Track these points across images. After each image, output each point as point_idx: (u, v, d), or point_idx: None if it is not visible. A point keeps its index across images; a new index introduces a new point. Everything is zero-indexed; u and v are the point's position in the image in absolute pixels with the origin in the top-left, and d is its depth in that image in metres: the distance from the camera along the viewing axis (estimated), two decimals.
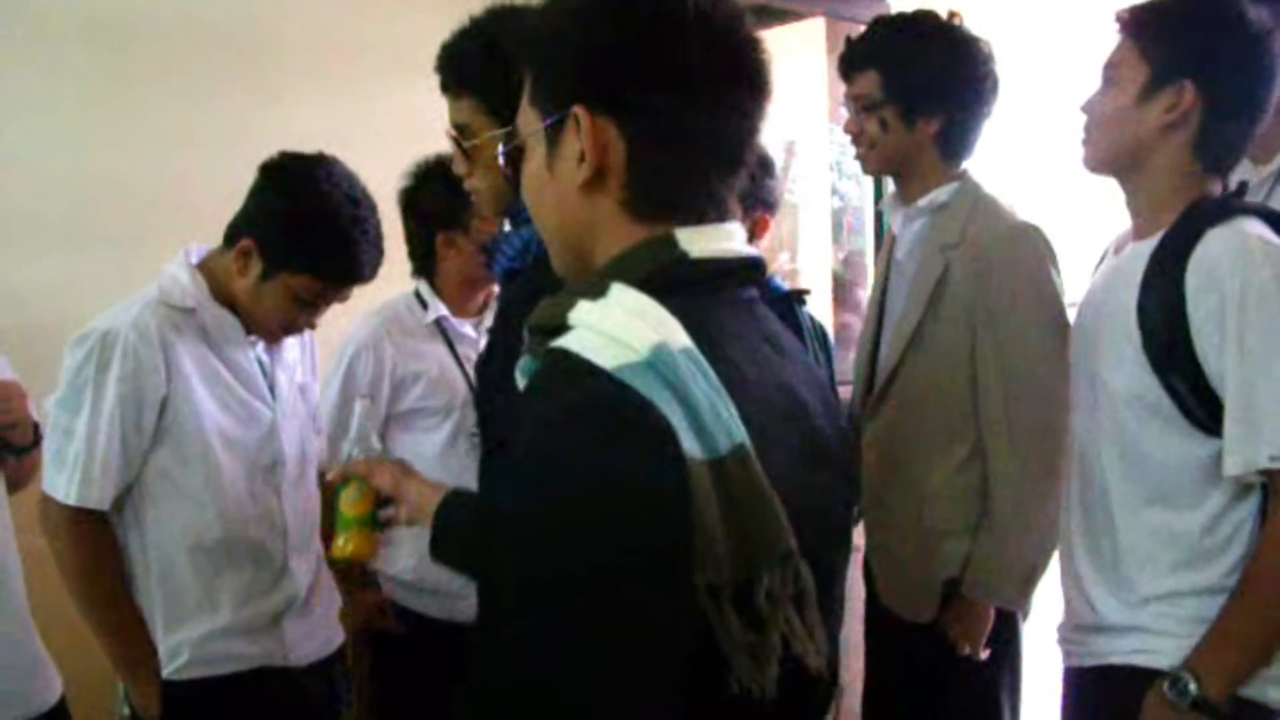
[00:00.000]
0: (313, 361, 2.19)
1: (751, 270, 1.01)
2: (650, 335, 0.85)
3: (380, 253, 1.93)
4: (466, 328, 2.46)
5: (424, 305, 2.44)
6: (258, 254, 1.86)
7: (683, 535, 0.80)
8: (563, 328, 0.91)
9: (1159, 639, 1.59)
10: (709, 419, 0.83)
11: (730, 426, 0.84)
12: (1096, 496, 1.69)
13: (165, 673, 1.86)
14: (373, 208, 1.92)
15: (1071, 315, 1.97)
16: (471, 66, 1.53)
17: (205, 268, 1.94)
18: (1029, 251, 1.99)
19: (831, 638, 1.04)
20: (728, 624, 0.82)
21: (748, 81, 0.97)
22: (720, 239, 0.98)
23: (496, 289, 2.48)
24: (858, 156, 2.17)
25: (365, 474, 1.55)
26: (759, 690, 0.83)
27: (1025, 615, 2.13)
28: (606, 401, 0.83)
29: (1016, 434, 1.97)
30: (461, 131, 1.56)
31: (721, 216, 0.99)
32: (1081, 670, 1.72)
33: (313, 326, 1.99)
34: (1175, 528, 1.59)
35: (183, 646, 1.86)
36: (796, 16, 3.69)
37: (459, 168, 1.60)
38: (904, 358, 2.09)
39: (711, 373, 0.86)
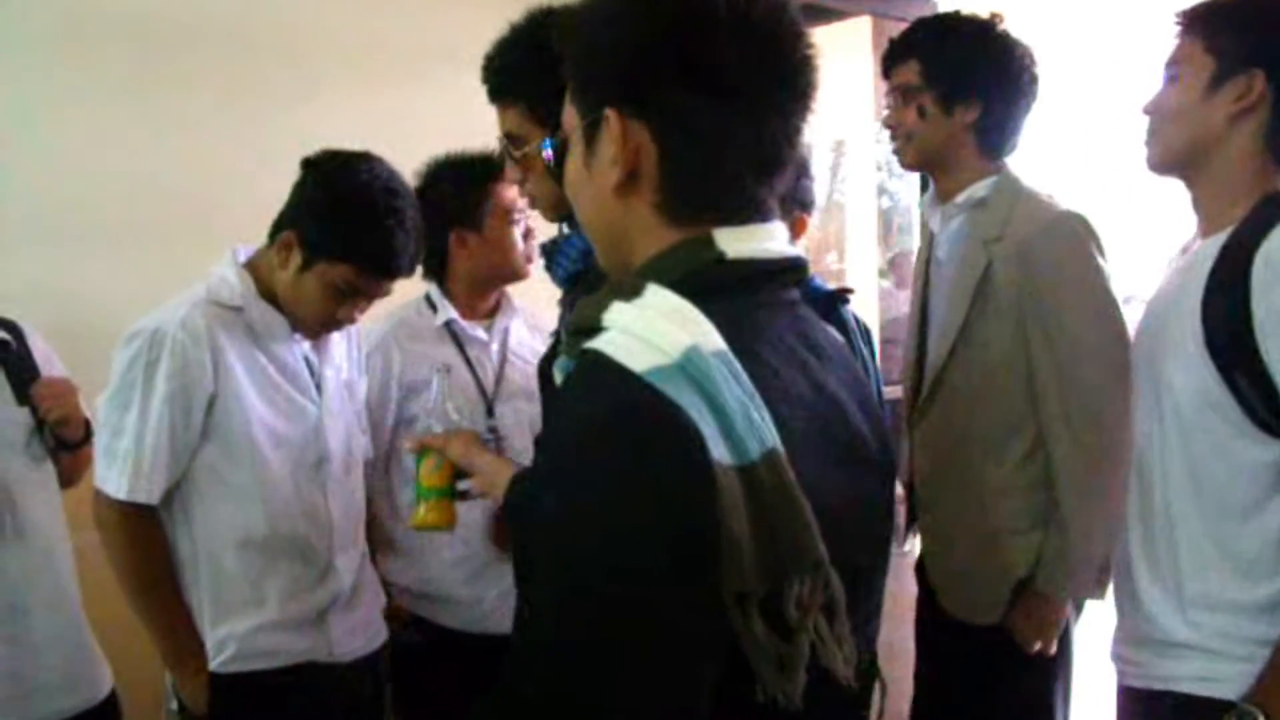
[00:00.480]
0: (357, 357, 2.20)
1: (792, 271, 0.99)
2: (683, 338, 0.84)
3: (420, 246, 1.94)
4: (478, 330, 2.40)
5: (433, 308, 2.39)
6: (297, 244, 1.88)
7: (709, 542, 0.79)
8: (597, 329, 0.90)
9: (1221, 663, 1.54)
10: (740, 424, 0.82)
11: (762, 431, 0.83)
12: (1157, 505, 1.65)
13: (212, 665, 1.89)
14: (413, 201, 1.93)
15: (1126, 309, 1.95)
16: (517, 75, 1.53)
17: (252, 266, 1.96)
18: (1072, 239, 1.97)
19: (869, 641, 1.04)
20: (755, 632, 0.81)
21: (787, 81, 0.95)
22: (760, 239, 0.96)
23: (508, 290, 2.47)
24: (895, 150, 2.17)
25: (439, 446, 1.55)
26: (784, 700, 0.82)
27: (1079, 612, 2.10)
28: (635, 406, 0.82)
29: (1075, 424, 1.94)
30: (513, 140, 1.56)
31: (763, 217, 0.97)
32: (1138, 691, 1.68)
33: (352, 321, 2.00)
34: (1237, 537, 1.55)
35: (229, 640, 1.89)
36: (842, 15, 3.67)
37: (512, 175, 1.60)
38: (951, 356, 2.07)
39: (745, 376, 0.85)
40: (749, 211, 0.96)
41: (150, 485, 1.83)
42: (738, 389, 0.83)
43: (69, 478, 2.05)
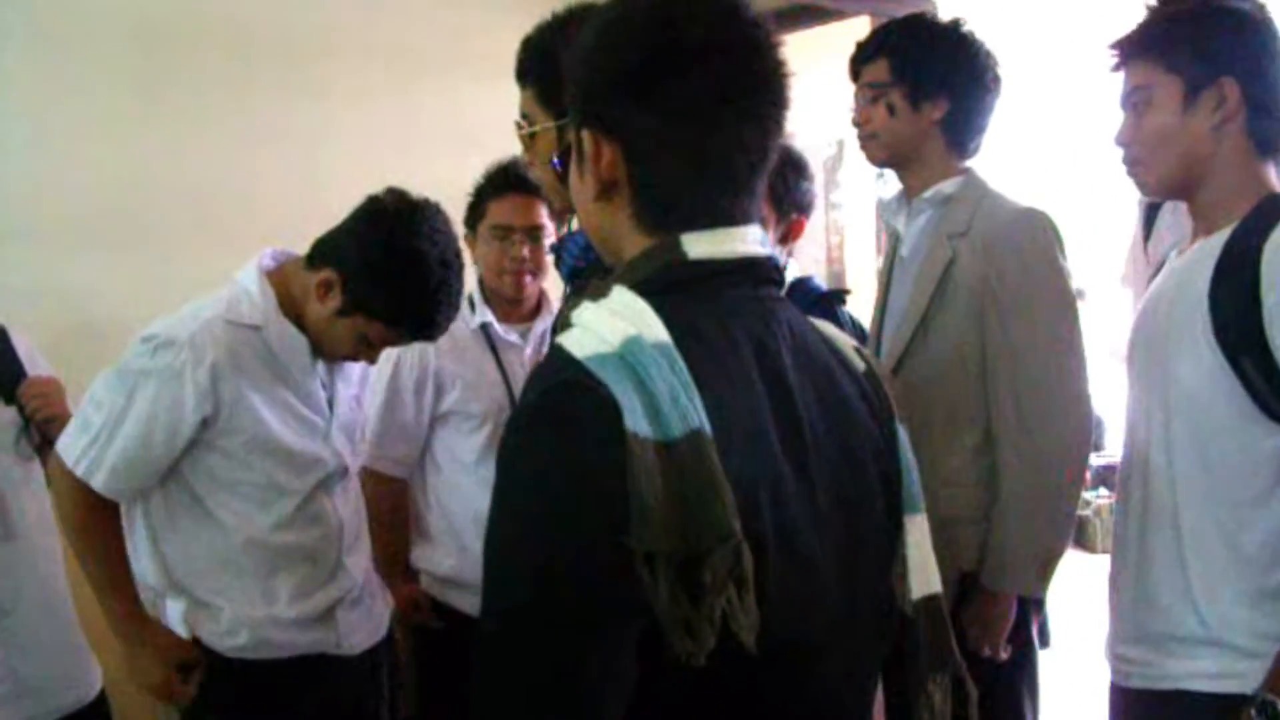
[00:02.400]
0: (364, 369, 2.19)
1: (758, 269, 1.05)
2: (627, 329, 0.93)
3: (456, 311, 1.95)
4: (512, 335, 2.47)
5: (472, 309, 2.47)
6: (340, 290, 1.86)
7: (617, 503, 0.86)
8: (569, 325, 0.99)
9: (1239, 659, 1.54)
10: (666, 405, 0.89)
11: (688, 413, 0.90)
12: (1162, 499, 1.64)
13: (222, 648, 1.88)
14: (461, 268, 1.93)
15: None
16: (536, 58, 1.59)
17: (280, 275, 1.92)
18: (1036, 235, 2.00)
19: (885, 628, 1.13)
20: (660, 592, 0.87)
21: (751, 104, 1.02)
22: (725, 241, 1.03)
23: (551, 293, 2.51)
24: (862, 147, 2.20)
25: None
26: (688, 658, 0.87)
27: (1039, 610, 2.09)
28: (564, 384, 0.92)
29: (1025, 418, 1.96)
30: (526, 120, 1.61)
31: (732, 223, 1.04)
32: (1143, 692, 1.66)
33: (372, 362, 2.02)
34: (1247, 526, 1.55)
35: (241, 627, 1.88)
36: (840, 15, 3.68)
37: (525, 156, 1.65)
38: (910, 346, 2.09)
39: (681, 365, 0.92)
40: (717, 218, 1.03)
41: (107, 478, 1.80)
42: (671, 376, 0.91)
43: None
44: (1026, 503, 1.96)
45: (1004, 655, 2.02)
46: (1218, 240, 1.59)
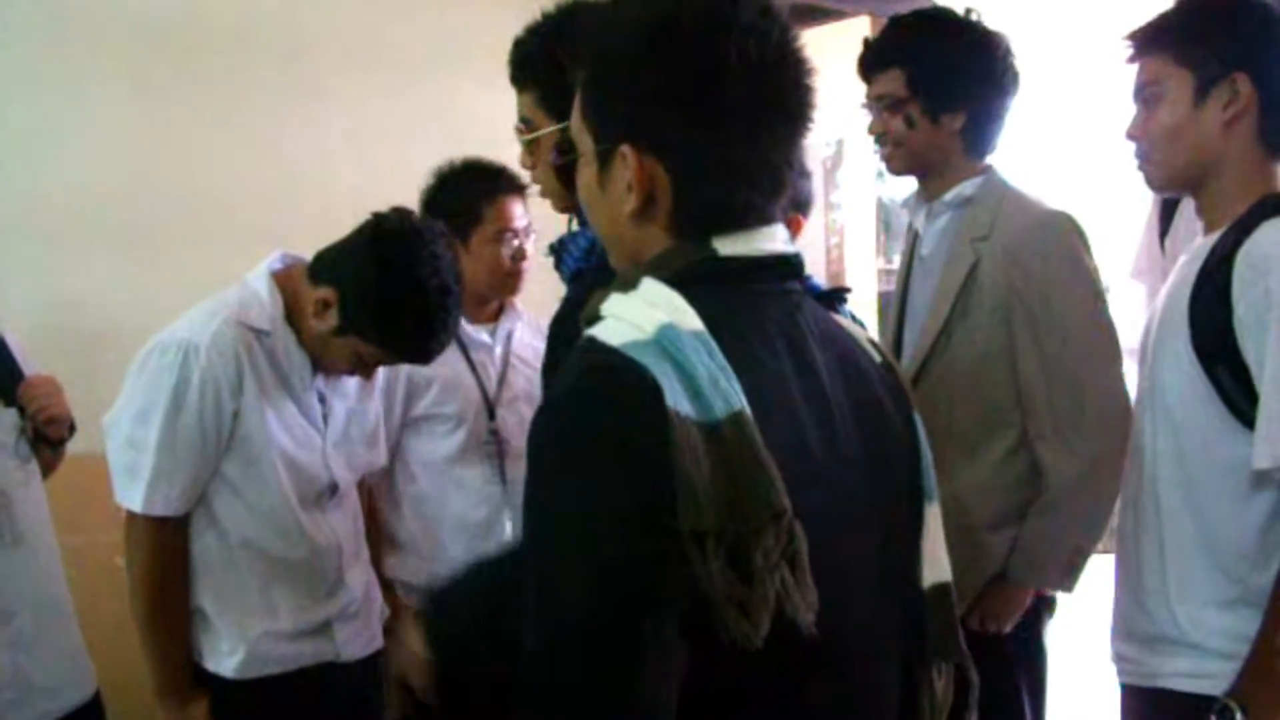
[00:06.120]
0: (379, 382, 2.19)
1: (784, 266, 1.06)
2: (661, 318, 0.94)
3: (452, 337, 1.94)
4: (482, 334, 2.44)
5: None
6: (337, 310, 1.85)
7: (662, 482, 0.86)
8: (598, 318, 0.99)
9: (1212, 660, 1.55)
10: (707, 387, 0.89)
11: (729, 395, 0.90)
12: (1149, 499, 1.66)
13: (220, 668, 1.89)
14: (461, 293, 1.90)
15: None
16: (535, 62, 1.57)
17: (287, 280, 1.92)
18: (1061, 238, 1.98)
19: (909, 612, 1.12)
20: (712, 573, 0.86)
21: (789, 115, 1.03)
22: (754, 240, 1.04)
23: (515, 299, 2.48)
24: (883, 157, 2.17)
25: None
26: (744, 641, 0.87)
27: (1050, 614, 2.10)
28: (603, 368, 0.92)
29: (1063, 423, 1.95)
30: (525, 124, 1.60)
31: (764, 223, 1.05)
32: (1135, 689, 1.68)
33: (368, 378, 2.01)
34: (1222, 532, 1.56)
35: (239, 644, 1.89)
36: (840, 15, 3.69)
37: (524, 161, 1.64)
38: (932, 353, 2.07)
39: (718, 351, 0.93)
40: (754, 221, 1.04)
41: (179, 500, 1.83)
42: (709, 360, 0.91)
43: (46, 471, 2.05)
44: (1063, 506, 1.95)
45: (1006, 628, 2.02)
46: (1209, 244, 1.60)
